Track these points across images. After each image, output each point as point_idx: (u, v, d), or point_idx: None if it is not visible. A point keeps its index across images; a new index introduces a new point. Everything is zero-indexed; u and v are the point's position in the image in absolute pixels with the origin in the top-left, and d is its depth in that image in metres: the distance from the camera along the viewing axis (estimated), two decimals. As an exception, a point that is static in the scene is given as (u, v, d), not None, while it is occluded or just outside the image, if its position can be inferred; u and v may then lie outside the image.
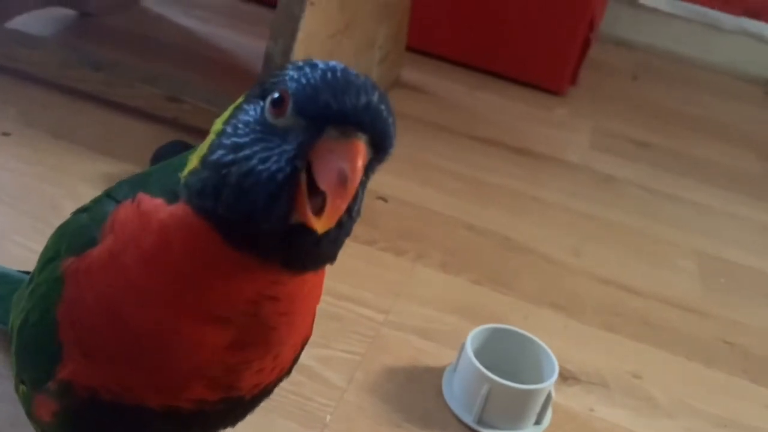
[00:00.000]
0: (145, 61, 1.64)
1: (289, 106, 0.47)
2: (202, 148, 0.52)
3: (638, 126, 2.02)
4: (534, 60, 2.07)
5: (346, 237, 0.51)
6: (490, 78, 2.09)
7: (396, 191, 1.41)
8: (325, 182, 0.45)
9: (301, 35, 1.25)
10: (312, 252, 0.49)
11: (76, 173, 1.23)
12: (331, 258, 0.52)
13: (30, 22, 1.66)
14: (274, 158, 0.46)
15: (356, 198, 0.48)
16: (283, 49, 1.25)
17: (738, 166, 1.94)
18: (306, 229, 0.46)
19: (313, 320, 0.63)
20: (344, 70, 0.48)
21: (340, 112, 0.46)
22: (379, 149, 0.48)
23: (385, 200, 1.38)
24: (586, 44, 2.09)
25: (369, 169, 0.49)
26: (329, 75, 0.47)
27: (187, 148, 1.34)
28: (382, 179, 1.40)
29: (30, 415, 0.64)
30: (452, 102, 1.92)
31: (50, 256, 0.59)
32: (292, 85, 0.47)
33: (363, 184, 0.49)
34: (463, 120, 1.82)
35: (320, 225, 0.45)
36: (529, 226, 1.42)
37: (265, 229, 0.47)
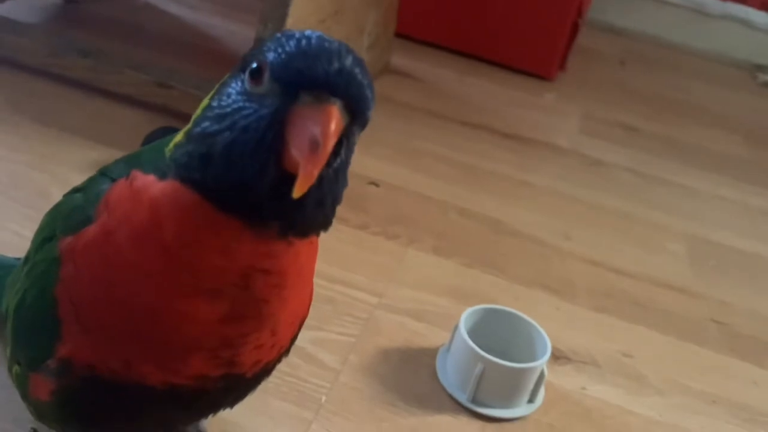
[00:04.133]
0: (133, 47, 1.63)
1: (266, 75, 0.48)
2: (189, 124, 0.53)
3: (627, 111, 2.03)
4: (523, 45, 2.08)
5: (336, 201, 0.51)
6: (480, 63, 2.10)
7: (387, 176, 1.42)
8: (297, 148, 0.46)
9: (290, 21, 1.25)
10: (300, 212, 0.49)
11: (65, 160, 1.22)
12: (323, 223, 0.52)
13: (15, 8, 1.64)
14: (254, 125, 0.47)
15: (334, 162, 0.48)
16: (272, 33, 1.24)
17: (725, 150, 1.96)
18: (289, 193, 0.46)
19: (310, 300, 0.64)
20: (319, 37, 0.48)
21: (311, 77, 0.47)
22: (356, 114, 0.48)
23: (376, 185, 1.38)
24: (574, 30, 2.10)
25: (349, 134, 0.49)
26: (303, 42, 0.48)
27: (177, 132, 1.33)
28: (373, 164, 1.43)
29: (25, 396, 0.64)
30: (442, 88, 1.93)
31: (45, 236, 0.59)
32: (269, 55, 0.48)
33: (346, 149, 0.49)
34: (452, 105, 1.82)
35: (296, 187, 0.45)
36: (519, 210, 1.43)
37: (255, 193, 0.48)
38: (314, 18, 1.37)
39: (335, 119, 0.46)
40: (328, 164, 0.48)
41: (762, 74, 2.57)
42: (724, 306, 1.28)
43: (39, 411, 0.63)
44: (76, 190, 0.62)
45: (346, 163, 0.50)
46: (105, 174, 0.59)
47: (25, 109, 1.34)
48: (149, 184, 0.52)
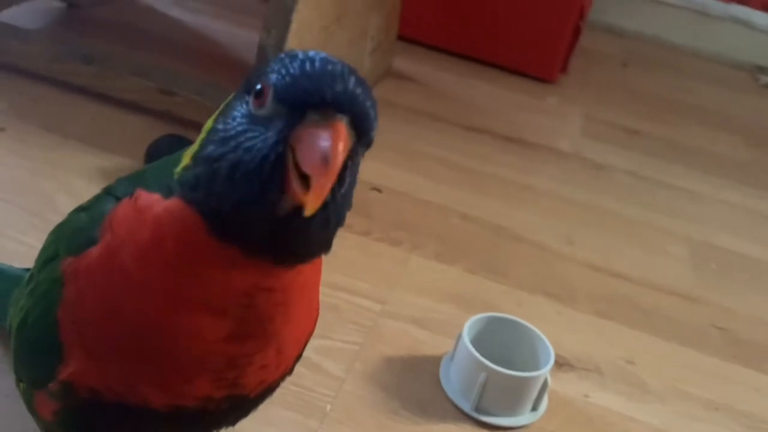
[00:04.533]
0: (135, 53, 1.64)
1: (269, 96, 0.48)
2: (195, 145, 0.53)
3: (628, 113, 2.03)
4: (525, 48, 2.08)
5: (338, 225, 0.51)
6: (481, 66, 2.10)
7: (389, 181, 1.42)
8: (308, 163, 0.46)
9: (294, 26, 1.25)
10: (303, 239, 0.49)
11: (69, 167, 1.22)
12: (324, 247, 0.52)
13: (18, 14, 1.64)
14: (259, 146, 0.47)
15: (343, 183, 0.49)
16: (276, 40, 1.24)
17: (727, 153, 1.96)
18: (295, 216, 0.47)
19: (316, 315, 0.64)
20: (323, 59, 0.49)
21: (318, 96, 0.47)
22: (361, 132, 0.49)
23: (379, 191, 1.39)
24: (576, 32, 2.10)
25: (354, 153, 0.49)
26: (307, 63, 0.48)
27: (181, 140, 1.34)
28: (375, 169, 1.43)
29: (32, 410, 0.64)
30: (444, 91, 1.93)
31: (49, 256, 0.59)
32: (272, 77, 0.48)
33: (351, 169, 0.49)
34: (454, 109, 1.82)
35: (308, 204, 0.45)
36: (521, 215, 1.44)
37: (255, 217, 0.47)
38: (318, 24, 1.37)
39: (344, 134, 0.46)
40: (336, 187, 0.48)
41: (763, 76, 2.57)
42: (726, 311, 1.29)
43: (45, 429, 0.63)
44: (81, 209, 0.62)
45: (351, 186, 0.51)
46: (110, 193, 0.59)
47: (28, 115, 1.35)
48: (154, 202, 0.52)
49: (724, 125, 2.12)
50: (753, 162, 1.95)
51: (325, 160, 0.45)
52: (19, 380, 0.65)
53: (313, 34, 1.35)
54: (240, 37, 1.87)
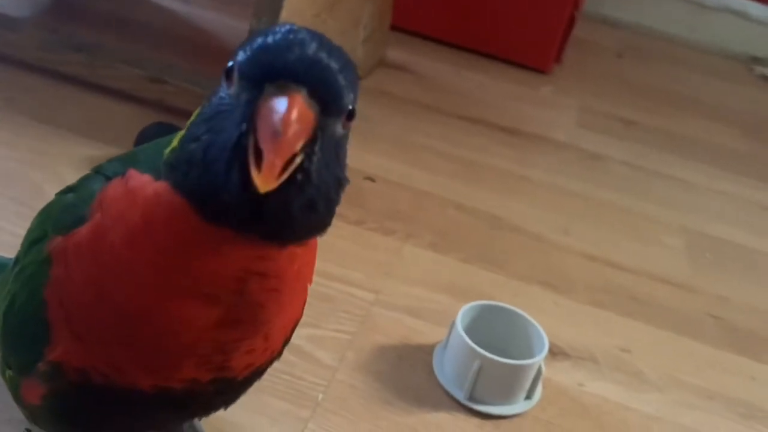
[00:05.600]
0: (125, 42, 1.62)
1: (235, 74, 0.47)
2: (183, 130, 0.52)
3: (624, 104, 2.02)
4: (519, 38, 2.06)
5: (328, 204, 0.49)
6: (475, 56, 2.08)
7: (383, 171, 1.41)
8: (260, 139, 0.44)
9: (284, 14, 1.24)
10: (283, 217, 0.48)
11: (59, 157, 1.21)
12: (318, 227, 0.51)
13: (6, 2, 1.62)
14: (227, 126, 0.46)
15: (312, 156, 0.46)
16: (266, 27, 1.23)
17: (723, 143, 1.95)
18: (267, 196, 0.45)
19: (304, 302, 0.63)
20: (287, 30, 0.47)
21: (271, 68, 0.45)
22: (327, 101, 0.46)
23: (372, 180, 1.37)
24: (571, 22, 2.09)
25: (324, 125, 0.47)
26: (269, 36, 0.47)
27: (171, 128, 1.32)
28: (369, 159, 1.42)
29: (17, 399, 0.63)
30: (438, 81, 1.92)
31: (35, 237, 0.58)
32: (239, 54, 0.47)
33: (325, 143, 0.47)
34: (449, 99, 1.81)
35: (260, 182, 0.43)
36: (517, 205, 1.43)
37: (228, 199, 0.46)
38: (309, 11, 1.36)
39: (297, 106, 0.44)
40: (306, 162, 0.46)
41: (759, 66, 2.56)
42: (721, 300, 1.28)
43: (31, 414, 0.62)
44: (68, 189, 0.60)
45: (329, 161, 0.48)
46: (99, 172, 0.58)
47: (18, 104, 1.33)
48: (145, 183, 0.51)
49: (719, 116, 2.12)
50: (748, 152, 1.94)
51: (275, 134, 0.43)
52: (4, 368, 0.64)
53: (304, 22, 1.32)
54: (231, 25, 1.86)
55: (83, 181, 0.59)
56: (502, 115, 1.79)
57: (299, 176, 0.46)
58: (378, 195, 1.34)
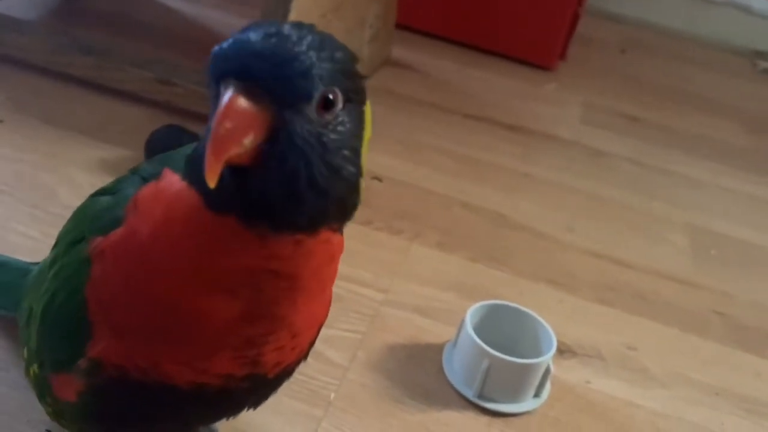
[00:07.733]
0: (133, 42, 1.63)
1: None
2: None
3: (628, 100, 2.03)
4: (523, 35, 2.07)
5: (314, 189, 0.49)
6: (480, 54, 2.09)
7: (389, 171, 1.42)
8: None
9: (292, 15, 1.25)
10: (264, 202, 0.48)
11: (70, 159, 1.22)
12: (312, 213, 0.50)
13: (14, 5, 1.63)
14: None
15: (275, 147, 0.46)
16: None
17: (726, 139, 1.96)
18: (249, 181, 0.47)
19: (328, 304, 0.64)
20: (252, 27, 0.47)
21: (220, 66, 0.46)
22: (280, 93, 0.46)
23: (379, 180, 1.39)
24: (575, 19, 2.09)
25: (291, 119, 0.46)
26: (238, 35, 0.47)
27: (181, 131, 1.33)
28: (375, 158, 1.43)
29: (43, 397, 0.64)
30: (442, 79, 1.92)
31: (74, 238, 0.60)
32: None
33: (292, 132, 0.46)
34: (453, 97, 1.82)
35: (208, 178, 0.45)
36: (522, 203, 1.44)
37: (219, 192, 0.47)
38: (316, 12, 1.37)
39: (232, 103, 0.45)
40: (275, 151, 0.46)
41: (762, 61, 2.57)
42: (726, 297, 1.29)
43: (59, 411, 0.63)
44: (103, 191, 0.63)
45: (309, 149, 0.48)
46: (136, 173, 0.60)
47: (28, 107, 1.34)
48: (173, 182, 0.54)
49: (723, 111, 2.12)
50: (752, 148, 1.95)
51: (214, 134, 0.44)
52: (32, 365, 0.65)
53: (310, 23, 1.34)
54: (237, 26, 1.85)
55: (119, 182, 0.61)
56: (506, 112, 1.80)
57: (272, 163, 0.47)
58: (385, 194, 1.35)
